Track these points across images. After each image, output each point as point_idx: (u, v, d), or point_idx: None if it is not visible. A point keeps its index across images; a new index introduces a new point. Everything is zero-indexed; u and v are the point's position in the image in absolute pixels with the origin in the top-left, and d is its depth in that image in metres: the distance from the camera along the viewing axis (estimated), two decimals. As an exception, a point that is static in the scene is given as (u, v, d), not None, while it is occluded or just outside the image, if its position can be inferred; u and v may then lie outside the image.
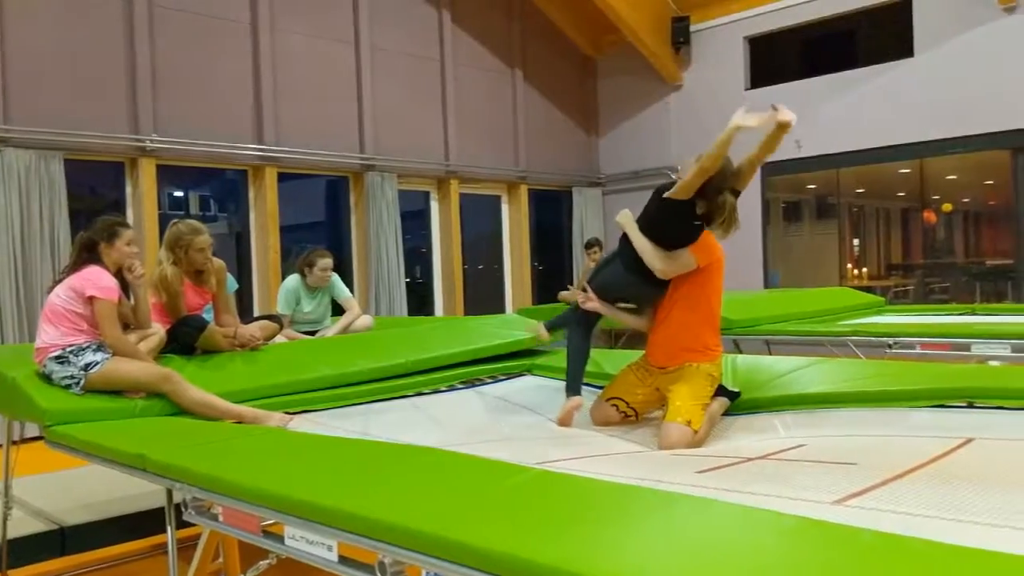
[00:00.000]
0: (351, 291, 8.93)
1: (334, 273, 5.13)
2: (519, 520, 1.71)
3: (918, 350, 5.34)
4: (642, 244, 3.40)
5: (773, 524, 1.57)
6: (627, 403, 3.56)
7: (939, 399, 3.17)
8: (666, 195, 3.32)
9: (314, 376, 3.84)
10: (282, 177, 8.74)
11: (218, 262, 4.03)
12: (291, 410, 3.60)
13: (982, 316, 6.72)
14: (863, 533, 1.46)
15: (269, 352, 4.04)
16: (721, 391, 3.55)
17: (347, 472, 2.27)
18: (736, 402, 3.55)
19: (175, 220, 3.96)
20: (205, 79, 8.13)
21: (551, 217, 12.22)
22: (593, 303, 3.59)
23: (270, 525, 2.26)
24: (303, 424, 3.46)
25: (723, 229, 3.34)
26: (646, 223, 3.45)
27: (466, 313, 9.94)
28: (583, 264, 8.67)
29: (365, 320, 5.16)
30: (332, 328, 5.06)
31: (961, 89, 9.09)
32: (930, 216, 11.49)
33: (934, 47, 9.33)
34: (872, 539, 1.43)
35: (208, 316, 4.05)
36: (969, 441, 2.63)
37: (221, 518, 2.42)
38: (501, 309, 10.92)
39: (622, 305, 3.66)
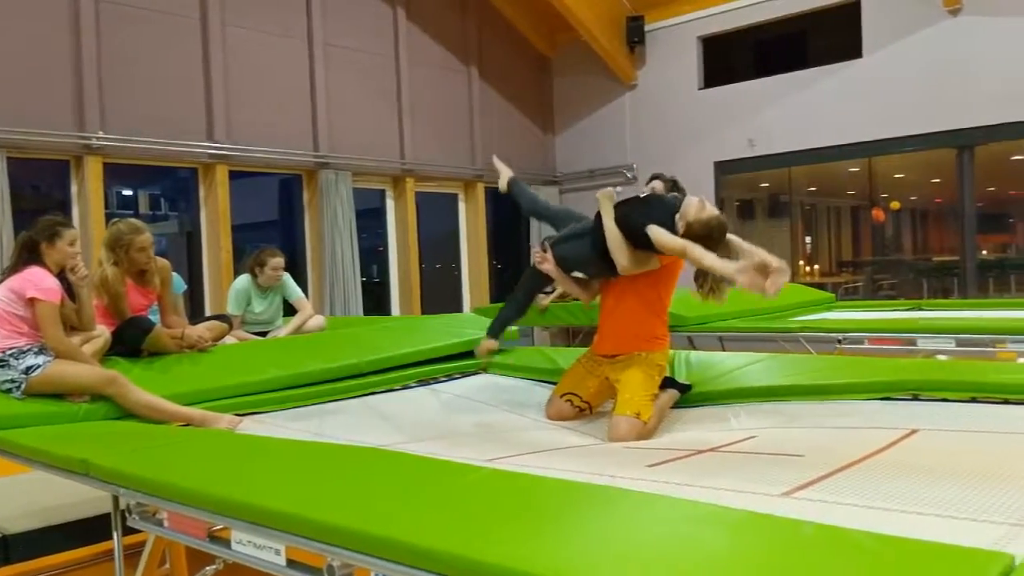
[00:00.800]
0: (304, 291, 8.85)
1: (285, 273, 5.06)
2: (469, 520, 1.70)
3: (866, 345, 5.45)
4: (613, 234, 3.33)
5: (717, 518, 1.59)
6: (580, 397, 3.59)
7: (885, 392, 3.24)
8: (649, 228, 3.24)
9: (264, 377, 3.80)
10: (234, 175, 8.59)
11: (162, 261, 3.96)
12: (241, 412, 3.55)
13: (928, 311, 6.87)
14: (805, 526, 1.48)
15: (218, 353, 3.98)
16: (671, 383, 3.59)
17: (295, 474, 2.24)
18: (688, 395, 3.59)
19: (115, 219, 3.88)
20: (153, 75, 7.97)
21: (509, 216, 12.21)
22: (549, 266, 3.60)
23: (217, 530, 2.22)
24: (254, 426, 3.41)
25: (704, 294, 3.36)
26: (624, 221, 3.36)
27: (423, 313, 9.88)
28: (540, 262, 8.66)
29: (317, 320, 5.11)
30: (283, 329, 5.00)
31: (908, 89, 9.29)
32: (879, 214, 11.73)
33: (882, 48, 9.52)
34: (814, 531, 1.45)
35: (154, 317, 3.97)
36: (914, 432, 2.68)
37: (166, 523, 2.38)
38: (459, 308, 10.89)
39: (575, 274, 3.66)
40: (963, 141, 9.20)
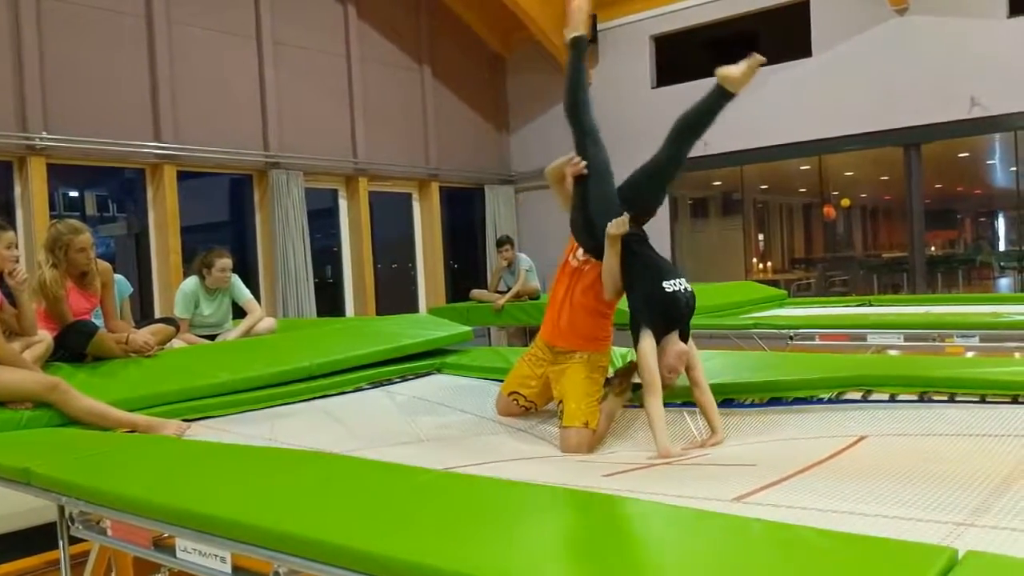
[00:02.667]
0: (256, 293, 8.72)
1: (234, 274, 4.97)
2: (418, 525, 1.68)
3: (817, 341, 5.53)
4: (611, 269, 3.25)
5: (667, 517, 1.58)
6: (525, 396, 3.59)
7: (835, 388, 3.28)
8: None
9: (213, 381, 3.71)
10: (182, 176, 8.43)
11: (103, 264, 3.85)
12: (189, 417, 3.47)
13: (878, 307, 7.00)
14: (754, 524, 1.48)
15: (165, 357, 3.89)
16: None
17: (242, 480, 2.19)
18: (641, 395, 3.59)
19: (54, 221, 3.76)
20: (98, 74, 7.77)
21: (464, 215, 12.18)
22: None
23: (161, 538, 2.17)
24: (203, 432, 3.34)
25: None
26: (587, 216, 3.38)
27: (378, 313, 9.80)
28: (496, 262, 8.66)
29: (267, 323, 5.02)
30: (233, 331, 4.90)
31: (856, 88, 9.46)
32: (830, 211, 11.94)
33: (830, 47, 9.68)
34: (762, 529, 1.46)
35: (98, 321, 3.87)
36: (862, 439, 2.72)
37: (110, 532, 2.32)
38: (415, 308, 10.83)
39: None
40: (910, 139, 9.40)
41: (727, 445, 3.02)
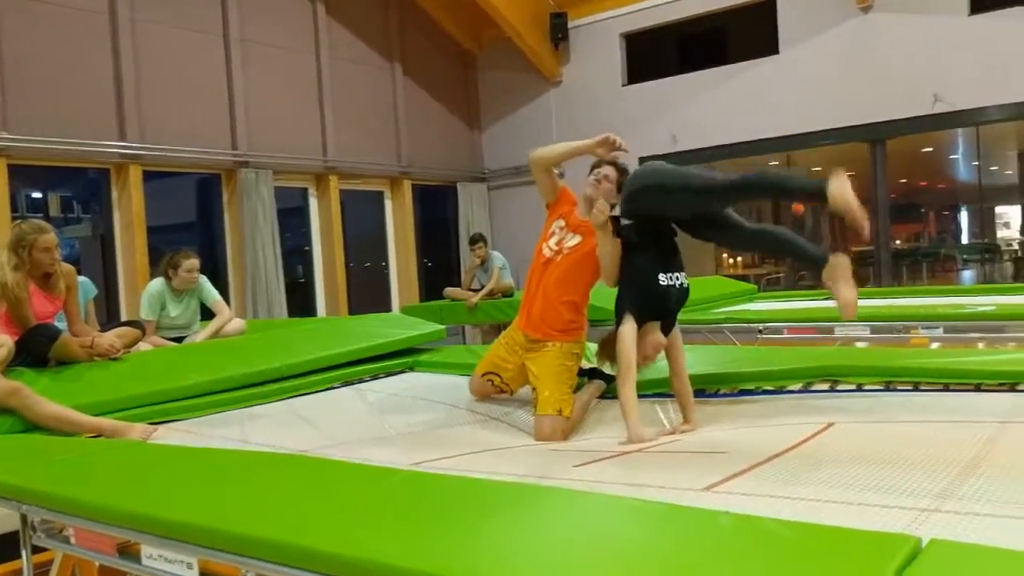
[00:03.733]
0: (225, 294, 8.63)
1: (202, 275, 4.90)
2: (389, 525, 1.67)
3: (786, 334, 5.59)
4: (607, 254, 3.23)
5: (636, 511, 1.59)
6: (500, 378, 3.59)
7: (803, 379, 3.32)
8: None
9: (181, 384, 3.67)
10: (148, 176, 8.32)
11: (67, 266, 3.79)
12: (156, 421, 3.42)
13: (845, 300, 7.05)
14: (721, 516, 1.50)
15: (131, 360, 3.83)
16: (599, 375, 3.61)
17: (208, 484, 2.16)
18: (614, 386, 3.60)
19: (17, 221, 3.69)
20: (61, 72, 7.64)
21: (437, 212, 12.15)
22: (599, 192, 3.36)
23: (128, 545, 2.14)
24: (171, 435, 3.30)
25: None
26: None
27: (351, 313, 9.74)
28: (469, 260, 8.64)
29: (236, 324, 4.96)
30: (201, 333, 4.84)
31: (823, 84, 9.56)
32: (798, 207, 12.06)
33: (797, 45, 9.78)
34: (730, 521, 1.47)
35: (62, 325, 3.80)
36: (830, 425, 2.75)
37: (73, 540, 2.28)
38: (388, 307, 10.78)
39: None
40: (875, 135, 9.52)
41: (698, 431, 3.04)
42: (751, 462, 2.30)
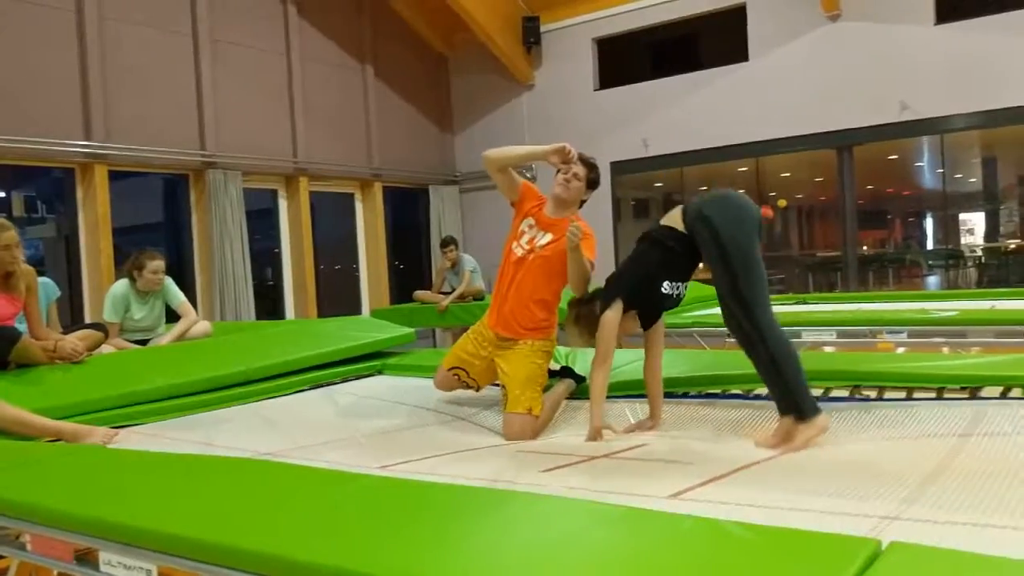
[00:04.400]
0: (193, 296, 8.54)
1: (167, 277, 4.83)
2: (353, 531, 1.66)
3: (754, 338, 5.61)
4: (572, 270, 3.22)
5: (599, 515, 1.59)
6: (468, 373, 3.58)
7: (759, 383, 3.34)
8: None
9: (145, 387, 3.62)
10: (115, 176, 8.20)
11: (27, 268, 3.71)
12: (118, 425, 3.37)
13: (812, 305, 7.15)
14: (684, 519, 1.50)
15: (94, 363, 3.77)
16: (569, 373, 3.61)
17: (169, 489, 2.13)
18: (586, 388, 3.60)
19: (-24, 220, 3.62)
20: (25, 70, 7.51)
21: (408, 215, 12.11)
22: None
23: (86, 552, 2.10)
24: (135, 439, 3.25)
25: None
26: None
27: (320, 315, 9.68)
28: (440, 263, 8.61)
29: (202, 326, 4.89)
30: (166, 336, 4.77)
31: (791, 91, 9.67)
32: (767, 211, 12.12)
33: (767, 52, 9.88)
34: (692, 525, 1.47)
35: (22, 326, 3.73)
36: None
37: (30, 547, 2.23)
38: (358, 310, 10.72)
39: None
40: (843, 141, 9.65)
41: (665, 436, 3.04)
42: (717, 472, 2.31)
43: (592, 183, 3.46)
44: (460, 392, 3.75)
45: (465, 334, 3.70)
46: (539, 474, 2.49)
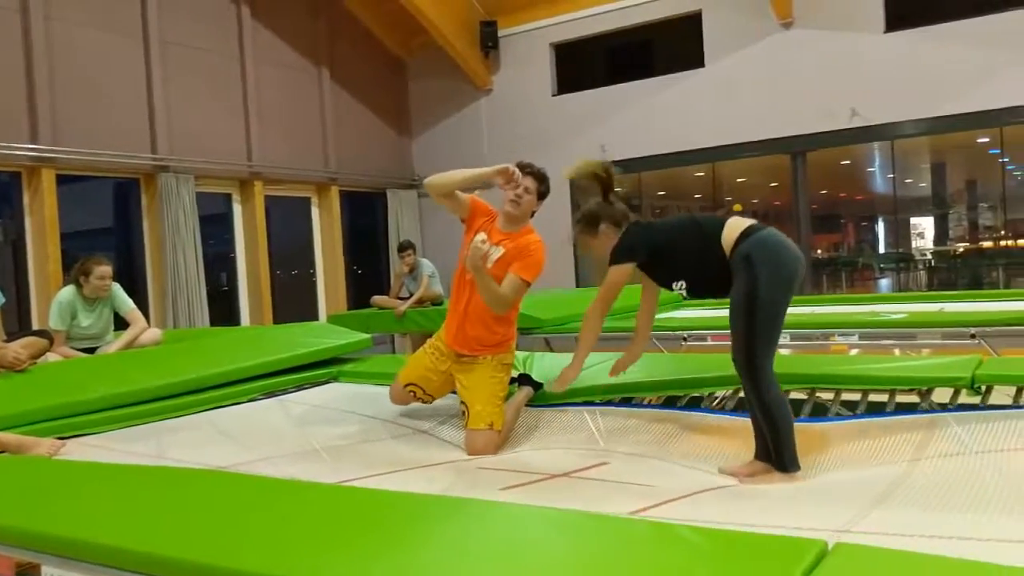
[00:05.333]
0: (144, 303, 8.37)
1: (115, 283, 4.72)
2: (303, 543, 1.63)
3: (709, 341, 5.68)
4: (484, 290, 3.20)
5: (551, 520, 1.59)
6: (423, 390, 3.56)
7: (726, 386, 3.38)
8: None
9: (92, 396, 3.54)
10: (63, 180, 8.01)
11: (-33, 275, 3.61)
12: (65, 435, 3.28)
13: (767, 308, 7.21)
14: (637, 523, 1.50)
15: (37, 372, 3.67)
16: (527, 380, 3.60)
17: (115, 502, 2.09)
18: (546, 395, 3.60)
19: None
20: (-32, 71, 7.31)
21: (366, 220, 12.02)
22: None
23: (28, 566, 2.05)
24: (82, 450, 3.18)
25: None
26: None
27: (276, 322, 9.55)
28: (397, 267, 8.56)
29: (152, 334, 4.80)
30: (114, 344, 4.66)
31: (746, 97, 9.79)
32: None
33: (722, 58, 10.00)
34: (645, 529, 1.48)
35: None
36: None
37: (-32, 562, 2.16)
38: (315, 316, 10.61)
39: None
40: (796, 147, 9.80)
41: (625, 455, 3.04)
42: (675, 494, 2.32)
43: (542, 195, 3.43)
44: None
45: (422, 347, 3.66)
46: (498, 492, 2.49)
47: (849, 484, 2.30)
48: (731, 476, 2.69)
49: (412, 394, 3.57)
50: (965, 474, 2.28)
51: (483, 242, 3.18)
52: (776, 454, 2.60)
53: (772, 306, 2.67)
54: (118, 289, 4.76)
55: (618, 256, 2.94)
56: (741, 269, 2.70)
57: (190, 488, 2.17)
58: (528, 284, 3.35)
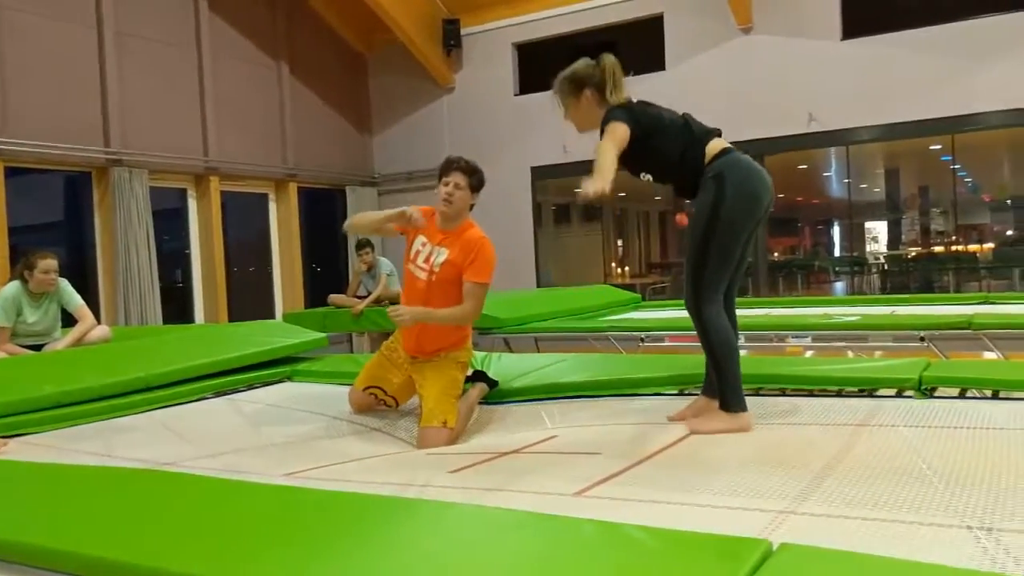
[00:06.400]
0: (95, 299, 8.19)
1: (64, 279, 4.61)
2: (247, 544, 1.62)
3: (666, 342, 5.73)
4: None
5: (499, 522, 1.58)
6: (384, 391, 3.51)
7: (680, 384, 3.41)
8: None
9: (37, 394, 3.45)
10: (11, 172, 7.81)
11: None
12: (7, 434, 3.20)
13: (724, 309, 7.29)
14: (584, 524, 1.51)
15: (-21, 369, 3.57)
16: (481, 377, 3.59)
17: (57, 502, 2.04)
18: (500, 392, 3.60)
19: None
20: (-89, 58, 7.10)
21: (325, 217, 11.92)
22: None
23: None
24: (28, 449, 3.10)
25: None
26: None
27: (231, 319, 9.42)
28: (356, 265, 8.49)
29: (101, 331, 4.70)
30: (61, 341, 4.55)
31: (706, 101, 9.84)
32: (683, 219, 12.42)
33: (683, 61, 10.09)
34: (593, 529, 1.48)
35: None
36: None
37: (-102, 567, 2.09)
38: (271, 314, 10.49)
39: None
40: (754, 151, 9.74)
41: (575, 426, 3.05)
42: (620, 466, 2.33)
43: (475, 188, 3.39)
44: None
45: (378, 351, 3.64)
46: (447, 475, 2.47)
47: (793, 454, 2.32)
48: (680, 422, 2.70)
49: (373, 396, 3.52)
50: (908, 448, 2.32)
51: (398, 315, 3.19)
52: (719, 390, 2.63)
53: (731, 226, 2.66)
54: (66, 285, 4.65)
55: (611, 115, 2.81)
56: (710, 184, 2.70)
57: (134, 488, 2.12)
58: (487, 286, 3.34)
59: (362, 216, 3.54)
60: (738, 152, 2.82)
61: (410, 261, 3.42)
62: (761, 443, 2.53)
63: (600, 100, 2.94)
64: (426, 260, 3.36)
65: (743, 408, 2.64)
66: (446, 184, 3.33)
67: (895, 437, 2.46)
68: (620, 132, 2.75)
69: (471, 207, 3.44)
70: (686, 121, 2.93)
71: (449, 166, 3.35)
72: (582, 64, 3.00)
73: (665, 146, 2.85)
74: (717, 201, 2.68)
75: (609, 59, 2.97)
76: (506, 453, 2.73)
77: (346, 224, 3.55)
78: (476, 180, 3.39)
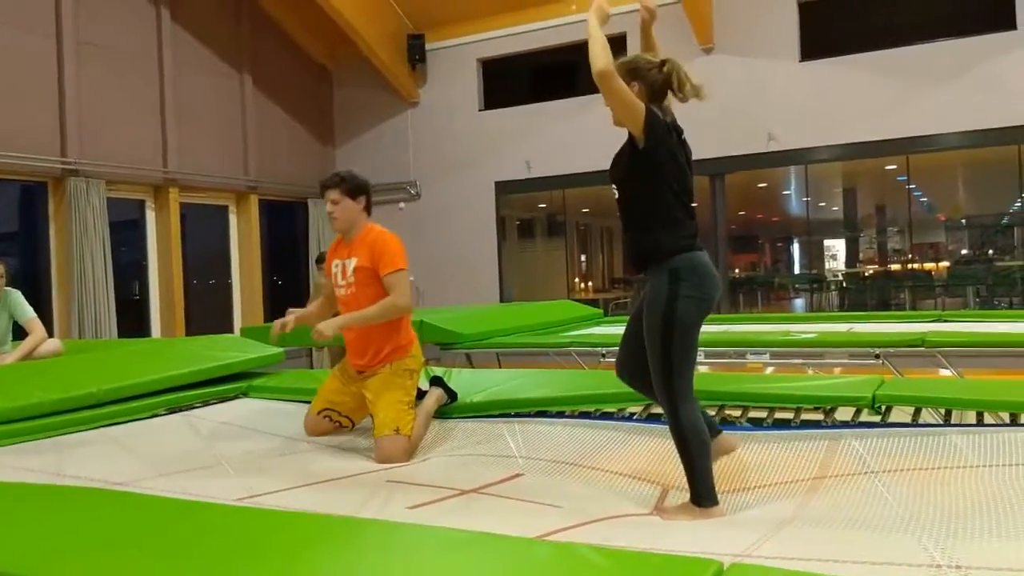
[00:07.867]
0: (48, 312, 8.01)
1: (15, 290, 4.50)
2: (178, 568, 1.56)
3: (627, 358, 5.72)
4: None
5: (450, 542, 1.56)
6: (339, 412, 3.50)
7: (640, 402, 3.40)
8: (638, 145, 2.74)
9: (-17, 410, 3.34)
10: (-38, 181, 7.64)
11: None
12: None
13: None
14: (539, 546, 1.49)
15: (-77, 384, 3.46)
16: (439, 384, 3.58)
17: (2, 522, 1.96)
18: (461, 407, 3.58)
19: None
20: None
21: (287, 229, 11.81)
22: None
23: None
24: (-28, 466, 2.99)
25: (690, 93, 2.81)
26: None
27: (189, 333, 9.27)
28: (316, 278, 8.40)
29: (51, 344, 4.58)
30: (11, 355, 4.44)
31: (667, 119, 9.98)
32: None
33: (644, 80, 10.18)
34: (547, 551, 1.47)
35: None
36: (666, 491, 2.74)
37: None
38: (230, 328, 10.34)
39: None
40: (715, 169, 10.04)
41: (542, 460, 3.03)
42: (585, 518, 2.30)
43: (353, 193, 3.39)
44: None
45: (331, 372, 3.63)
46: (405, 511, 2.43)
47: (753, 505, 2.33)
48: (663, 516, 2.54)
49: (328, 419, 3.51)
50: (864, 496, 2.33)
51: (318, 332, 3.27)
52: (691, 485, 2.51)
53: (687, 329, 2.58)
54: (18, 296, 4.54)
55: (647, 108, 2.67)
56: (664, 278, 2.61)
57: (82, 508, 2.06)
58: (404, 270, 3.37)
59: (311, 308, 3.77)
60: (698, 249, 2.71)
61: (336, 287, 3.49)
62: (723, 491, 2.52)
63: (644, 97, 2.72)
64: (343, 275, 3.42)
65: (715, 502, 2.50)
66: (327, 204, 3.40)
67: (852, 484, 2.45)
68: (632, 96, 2.61)
69: (367, 211, 3.46)
70: (688, 177, 2.81)
71: (322, 188, 3.43)
72: (644, 58, 2.79)
73: (656, 181, 2.74)
74: (670, 308, 2.57)
75: (673, 64, 2.80)
76: (467, 491, 2.70)
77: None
78: (350, 187, 3.40)
